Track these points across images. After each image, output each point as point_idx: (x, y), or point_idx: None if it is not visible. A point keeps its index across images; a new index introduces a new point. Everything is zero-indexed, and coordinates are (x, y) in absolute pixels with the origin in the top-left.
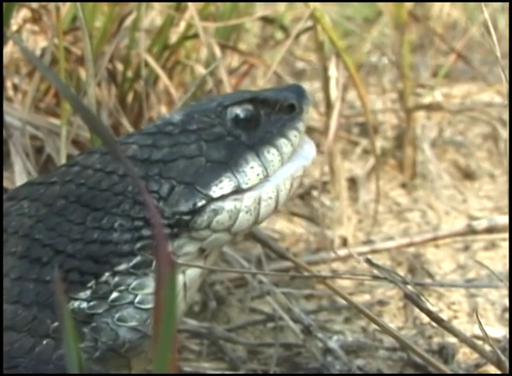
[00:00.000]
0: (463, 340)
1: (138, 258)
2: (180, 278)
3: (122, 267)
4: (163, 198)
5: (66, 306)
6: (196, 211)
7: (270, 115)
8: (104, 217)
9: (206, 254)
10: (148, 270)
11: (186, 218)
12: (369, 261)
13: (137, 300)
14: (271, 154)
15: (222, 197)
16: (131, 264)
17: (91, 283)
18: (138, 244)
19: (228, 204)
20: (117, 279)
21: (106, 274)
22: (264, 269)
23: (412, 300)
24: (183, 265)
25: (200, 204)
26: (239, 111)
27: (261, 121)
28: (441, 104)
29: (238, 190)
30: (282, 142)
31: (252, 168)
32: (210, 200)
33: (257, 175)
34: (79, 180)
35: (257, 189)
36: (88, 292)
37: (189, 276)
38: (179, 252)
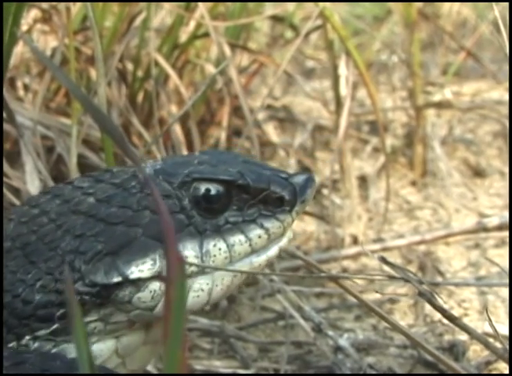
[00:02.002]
0: (476, 337)
1: (57, 325)
2: (111, 343)
3: (42, 332)
4: (86, 262)
5: (76, 305)
6: (114, 286)
7: (246, 203)
8: (31, 272)
9: (145, 326)
10: (69, 338)
11: (106, 289)
12: (383, 259)
13: None
14: (217, 249)
15: (140, 279)
16: (49, 330)
17: (13, 344)
18: (61, 310)
19: (153, 284)
20: (36, 344)
21: (27, 337)
22: (274, 268)
23: (426, 298)
24: (192, 264)
25: (115, 280)
26: (204, 190)
27: (230, 207)
28: (451, 102)
29: (159, 276)
30: (237, 239)
31: (186, 257)
32: (126, 279)
33: (189, 266)
34: (32, 226)
35: (192, 275)
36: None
37: (122, 342)
38: (109, 320)
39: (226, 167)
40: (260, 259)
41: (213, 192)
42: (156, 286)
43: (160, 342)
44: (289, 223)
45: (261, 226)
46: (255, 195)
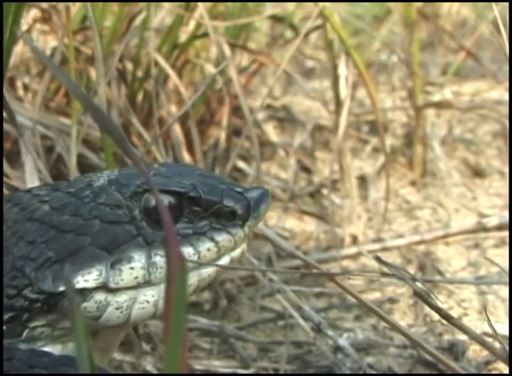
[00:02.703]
0: (473, 337)
1: (4, 328)
2: (58, 348)
3: None
4: (35, 269)
5: (77, 305)
6: (60, 294)
7: (198, 215)
8: None
9: (93, 333)
10: (18, 340)
11: (53, 297)
12: (378, 258)
13: None
14: (163, 260)
15: (86, 289)
16: None
17: None
18: (9, 314)
19: (99, 295)
20: None
21: None
22: (274, 268)
23: (422, 297)
24: (195, 262)
25: (61, 289)
26: (155, 201)
27: (182, 219)
28: (450, 102)
29: (105, 287)
30: (186, 252)
31: (132, 268)
32: (73, 288)
33: (135, 278)
34: None
35: (136, 287)
36: None
37: (69, 348)
38: (56, 325)
39: (180, 179)
40: (209, 270)
41: (164, 203)
42: (101, 297)
43: (108, 349)
44: (240, 237)
45: (211, 239)
46: (207, 208)
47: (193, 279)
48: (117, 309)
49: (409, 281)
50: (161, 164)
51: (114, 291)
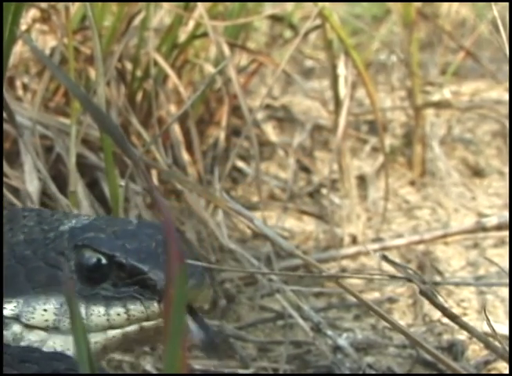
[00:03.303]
0: (477, 336)
1: None
2: None
3: None
4: None
5: (77, 306)
6: None
7: (122, 280)
8: None
9: None
10: None
11: None
12: (385, 257)
13: None
14: None
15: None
16: None
17: None
18: None
19: (15, 327)
20: None
21: None
22: (273, 267)
23: (427, 297)
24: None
25: None
26: (87, 258)
27: (108, 280)
28: (449, 102)
29: (18, 321)
30: (97, 310)
31: (45, 310)
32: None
33: (46, 320)
34: None
35: (48, 330)
36: None
37: None
38: None
39: (124, 242)
40: (115, 332)
41: (94, 262)
42: (18, 329)
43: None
44: (154, 312)
45: (124, 306)
46: (131, 275)
47: (99, 337)
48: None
49: (416, 281)
50: (138, 222)
51: (28, 327)
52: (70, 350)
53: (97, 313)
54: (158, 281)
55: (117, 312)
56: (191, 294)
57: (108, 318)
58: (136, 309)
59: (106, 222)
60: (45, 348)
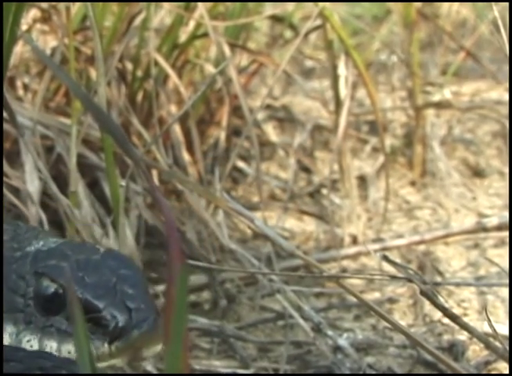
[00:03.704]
0: (477, 337)
1: None
2: None
3: None
4: None
5: (78, 308)
6: None
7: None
8: None
9: None
10: None
11: None
12: (385, 258)
13: None
14: (29, 345)
15: None
16: None
17: None
18: None
19: None
20: None
21: None
22: (274, 268)
23: (428, 297)
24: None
25: None
26: (44, 286)
27: (63, 312)
28: (450, 102)
29: None
30: (50, 345)
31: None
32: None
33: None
34: None
35: None
36: None
37: None
38: None
39: (85, 273)
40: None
41: (51, 292)
42: None
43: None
44: (104, 353)
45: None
46: (86, 311)
47: None
48: None
49: (417, 281)
50: (108, 253)
51: None
52: None
53: (49, 348)
54: (111, 321)
55: (68, 349)
56: (141, 341)
57: (59, 354)
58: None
59: (72, 249)
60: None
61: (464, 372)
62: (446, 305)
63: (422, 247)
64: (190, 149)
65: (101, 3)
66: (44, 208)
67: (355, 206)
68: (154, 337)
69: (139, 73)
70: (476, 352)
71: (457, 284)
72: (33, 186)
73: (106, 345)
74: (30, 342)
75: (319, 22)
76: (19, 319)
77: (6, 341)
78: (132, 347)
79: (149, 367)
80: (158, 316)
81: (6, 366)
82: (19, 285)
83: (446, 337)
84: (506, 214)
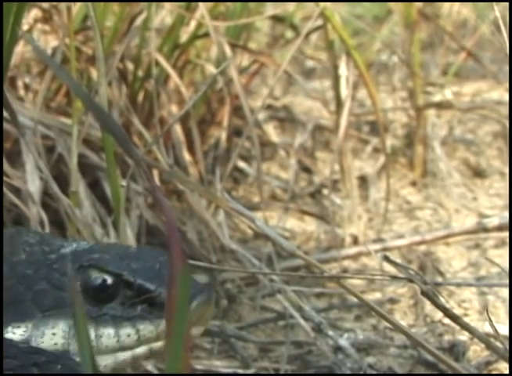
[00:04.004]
0: (478, 337)
1: None
2: None
3: None
4: None
5: (81, 307)
6: None
7: (130, 299)
8: None
9: None
10: None
11: None
12: (386, 258)
13: None
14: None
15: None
16: None
17: None
18: None
19: None
20: None
21: None
22: (274, 268)
23: (429, 297)
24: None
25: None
26: (93, 278)
27: (115, 299)
28: (451, 102)
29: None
30: (107, 332)
31: (54, 334)
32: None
33: (55, 344)
34: None
35: None
36: None
37: None
38: None
39: (129, 262)
40: (125, 354)
41: (100, 281)
42: None
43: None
44: (164, 331)
45: (133, 326)
46: (139, 294)
47: (109, 360)
48: None
49: (418, 281)
50: (137, 247)
51: None
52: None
53: (107, 335)
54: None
55: (127, 333)
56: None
57: (118, 339)
58: (146, 328)
59: (106, 246)
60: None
61: (465, 372)
62: (447, 306)
63: (423, 248)
64: (191, 149)
65: (102, 3)
66: (45, 208)
67: (355, 206)
68: (209, 305)
69: (140, 73)
70: (477, 352)
71: (458, 284)
72: (34, 185)
73: (165, 323)
74: (56, 332)
75: (319, 22)
76: (69, 314)
77: (60, 338)
78: (192, 317)
79: (150, 367)
80: (209, 288)
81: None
82: (63, 282)
83: (447, 337)
84: (507, 214)
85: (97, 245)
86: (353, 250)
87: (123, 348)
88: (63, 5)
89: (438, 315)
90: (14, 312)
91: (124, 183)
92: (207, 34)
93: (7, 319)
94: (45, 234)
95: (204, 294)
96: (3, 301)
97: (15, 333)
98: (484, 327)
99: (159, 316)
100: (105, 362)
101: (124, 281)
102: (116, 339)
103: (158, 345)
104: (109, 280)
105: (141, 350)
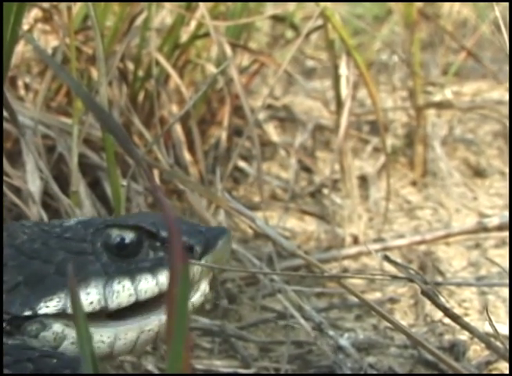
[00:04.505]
0: (478, 337)
1: None
2: None
3: None
4: (6, 291)
5: (81, 306)
6: (24, 318)
7: (156, 249)
8: None
9: None
10: None
11: (17, 320)
12: (386, 257)
13: None
14: (121, 286)
15: (48, 315)
16: None
17: None
18: None
19: (57, 326)
20: None
21: None
22: (275, 267)
23: (429, 297)
24: (194, 264)
25: (26, 313)
26: (114, 235)
27: (142, 251)
28: (451, 102)
29: (65, 314)
30: (144, 277)
31: (88, 294)
32: (36, 315)
33: (91, 303)
34: None
35: (93, 325)
36: None
37: None
38: None
39: (141, 218)
40: (152, 323)
41: (123, 237)
42: (59, 328)
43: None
44: (198, 271)
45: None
46: (163, 242)
47: (133, 332)
48: (72, 343)
49: (418, 281)
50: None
51: (70, 325)
52: (121, 341)
53: (145, 280)
54: (195, 243)
55: (166, 276)
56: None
57: (157, 282)
58: None
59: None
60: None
61: (465, 372)
62: (447, 305)
63: (423, 247)
64: (191, 149)
65: (102, 3)
66: (45, 208)
67: (356, 206)
68: (230, 241)
69: (141, 73)
70: (477, 352)
71: (458, 284)
72: (34, 185)
73: (195, 267)
74: (123, 284)
75: (320, 22)
76: (100, 272)
77: (95, 295)
78: (219, 255)
79: (150, 367)
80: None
81: None
82: (82, 247)
83: (447, 337)
84: (507, 214)
85: (98, 217)
86: (353, 249)
87: (162, 293)
88: (63, 4)
89: (439, 314)
90: (41, 288)
91: (124, 183)
92: (207, 34)
93: (36, 297)
94: (39, 223)
95: (227, 234)
96: (22, 283)
97: (48, 306)
98: (485, 327)
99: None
100: (151, 326)
101: (146, 233)
102: (154, 282)
103: (197, 296)
104: (131, 235)
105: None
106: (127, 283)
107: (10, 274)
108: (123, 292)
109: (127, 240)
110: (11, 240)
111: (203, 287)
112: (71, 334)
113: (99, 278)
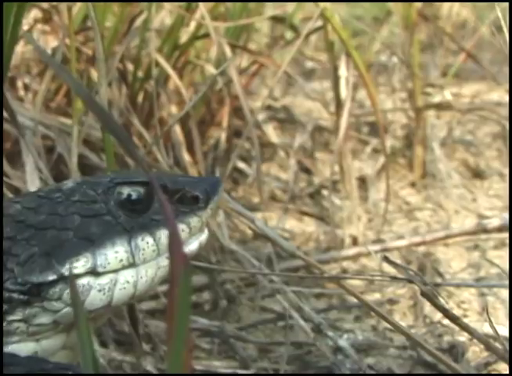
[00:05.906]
0: (477, 338)
1: None
2: (31, 345)
3: None
4: (20, 264)
5: (81, 304)
6: (47, 284)
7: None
8: None
9: (67, 329)
10: None
11: (38, 288)
12: (386, 258)
13: None
14: (145, 242)
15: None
16: None
17: None
18: None
19: (82, 279)
20: None
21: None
22: (274, 268)
23: (429, 298)
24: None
25: (51, 278)
26: (126, 192)
27: (153, 206)
28: (450, 103)
29: (93, 272)
30: (162, 232)
31: (117, 252)
32: (61, 276)
33: (120, 260)
34: None
35: (121, 269)
36: None
37: (42, 345)
38: (32, 321)
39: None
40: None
41: (134, 194)
42: (84, 281)
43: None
44: (206, 218)
45: (183, 221)
46: (172, 195)
47: (152, 269)
48: (99, 291)
49: (417, 282)
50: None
51: (96, 274)
52: (143, 278)
53: (164, 236)
54: (200, 192)
55: (180, 228)
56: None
57: (157, 243)
58: (193, 220)
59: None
60: None
61: (464, 373)
62: (446, 306)
63: (422, 248)
64: (191, 149)
65: (102, 3)
66: None
67: (355, 207)
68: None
69: (140, 73)
70: (476, 353)
71: (457, 285)
72: (34, 186)
73: (204, 211)
74: (146, 240)
75: (319, 23)
76: (120, 230)
77: (123, 252)
78: (218, 200)
79: (149, 367)
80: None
81: None
82: (96, 208)
83: (446, 338)
84: (507, 215)
85: (100, 176)
86: (353, 250)
87: None
88: (63, 5)
89: (438, 316)
90: (62, 253)
91: None
92: (207, 35)
93: (58, 261)
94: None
95: (221, 181)
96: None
97: (77, 266)
98: (484, 328)
99: (197, 209)
100: (166, 262)
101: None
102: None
103: (204, 237)
104: (142, 190)
105: (194, 246)
106: (149, 239)
107: (20, 250)
108: (147, 248)
109: (139, 196)
110: (19, 215)
111: (206, 230)
112: (97, 282)
113: (123, 236)
